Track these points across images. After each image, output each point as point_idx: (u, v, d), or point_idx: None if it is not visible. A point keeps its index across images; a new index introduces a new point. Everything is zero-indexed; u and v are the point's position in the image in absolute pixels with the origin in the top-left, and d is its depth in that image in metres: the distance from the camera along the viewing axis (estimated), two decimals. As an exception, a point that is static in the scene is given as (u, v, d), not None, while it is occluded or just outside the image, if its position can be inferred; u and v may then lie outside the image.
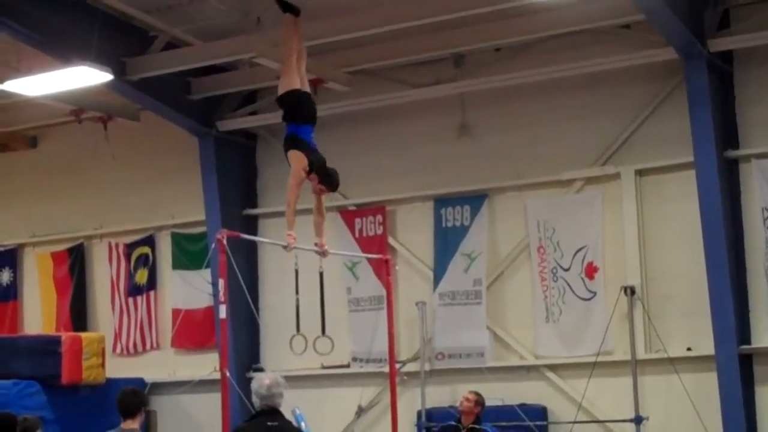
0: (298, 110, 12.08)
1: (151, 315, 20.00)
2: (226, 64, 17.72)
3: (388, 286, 14.42)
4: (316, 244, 12.39)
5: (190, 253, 19.30)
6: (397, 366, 15.45)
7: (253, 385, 10.32)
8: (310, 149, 11.91)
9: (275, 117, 18.09)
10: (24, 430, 10.52)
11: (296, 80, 12.12)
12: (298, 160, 11.79)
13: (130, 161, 19.81)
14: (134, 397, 10.53)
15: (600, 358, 16.14)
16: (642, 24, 15.40)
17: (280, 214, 18.38)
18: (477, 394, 14.22)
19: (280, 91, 12.16)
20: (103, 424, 10.51)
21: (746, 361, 15.45)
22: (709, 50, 15.20)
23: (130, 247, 20.28)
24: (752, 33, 15.17)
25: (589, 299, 16.64)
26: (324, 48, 16.22)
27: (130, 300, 20.18)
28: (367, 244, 17.89)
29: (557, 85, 16.67)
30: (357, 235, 18.14)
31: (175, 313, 19.23)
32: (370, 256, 16.84)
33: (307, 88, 12.26)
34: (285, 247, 11.82)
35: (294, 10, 12.24)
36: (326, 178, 11.93)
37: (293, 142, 11.93)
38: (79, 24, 15.65)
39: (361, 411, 17.81)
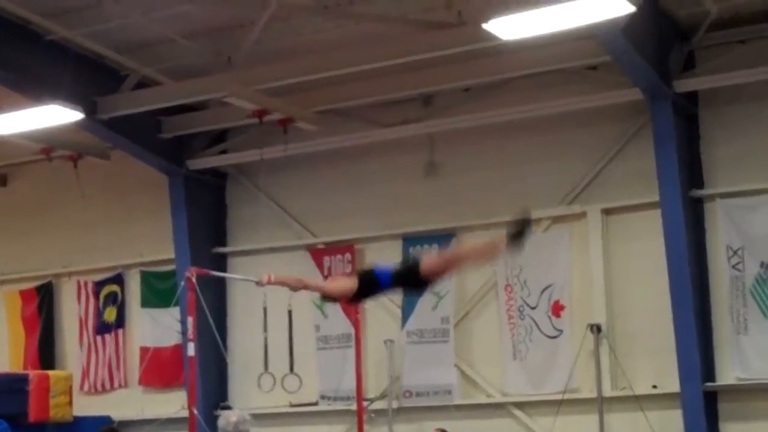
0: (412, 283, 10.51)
1: (119, 353, 19.91)
2: (196, 104, 17.72)
3: (356, 324, 14.48)
4: None
5: (158, 291, 19.24)
6: (365, 404, 15.47)
7: (220, 423, 10.30)
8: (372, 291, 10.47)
9: (245, 156, 18.31)
10: None
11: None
12: (350, 287, 10.18)
13: (100, 199, 19.75)
14: None
15: (566, 396, 16.16)
16: (608, 65, 15.51)
17: (249, 252, 18.64)
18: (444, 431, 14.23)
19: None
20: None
21: (711, 399, 15.50)
22: (674, 91, 15.34)
23: (98, 285, 20.20)
24: (717, 74, 15.31)
25: (555, 337, 16.66)
26: (293, 87, 16.29)
27: (99, 338, 20.09)
28: (335, 282, 17.84)
29: (525, 125, 16.75)
30: (326, 273, 18.04)
31: (144, 351, 19.15)
32: (338, 294, 16.80)
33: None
34: (258, 282, 11.26)
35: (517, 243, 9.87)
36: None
37: (371, 282, 10.21)
38: (50, 63, 15.69)
39: (329, 449, 17.82)
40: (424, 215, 17.62)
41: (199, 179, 18.77)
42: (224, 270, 18.44)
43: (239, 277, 16.24)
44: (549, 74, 16.11)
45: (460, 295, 17.40)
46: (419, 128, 17.29)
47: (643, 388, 15.88)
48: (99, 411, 18.70)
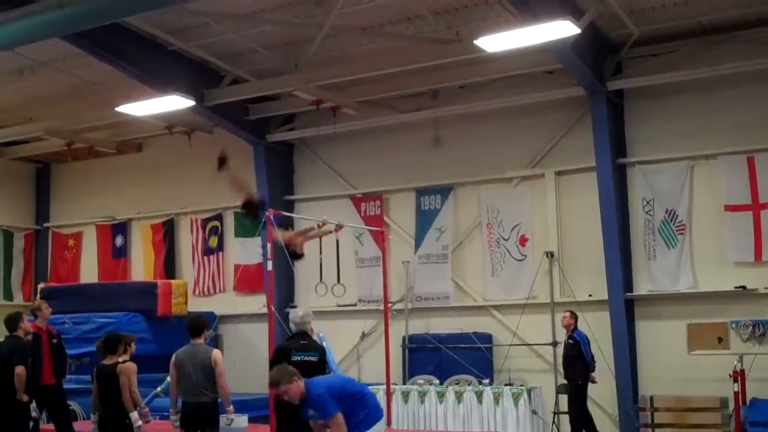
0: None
1: (220, 268, 20.00)
2: (273, 95, 17.74)
3: (383, 250, 14.50)
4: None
5: (247, 225, 19.17)
6: (389, 305, 15.56)
7: (291, 315, 10.44)
8: None
9: (306, 132, 18.30)
10: (126, 342, 10.69)
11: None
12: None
13: (206, 162, 19.63)
14: (198, 320, 10.60)
15: (529, 301, 16.24)
16: (560, 70, 15.44)
17: (310, 199, 18.67)
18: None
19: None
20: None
21: (630, 304, 15.56)
22: (607, 89, 15.27)
23: (205, 222, 20.27)
24: (638, 77, 15.25)
25: (521, 260, 16.69)
26: (341, 84, 16.32)
27: (205, 258, 20.19)
28: (369, 220, 17.90)
29: (502, 112, 16.69)
30: (362, 214, 18.14)
31: (236, 267, 19.16)
32: (371, 228, 16.87)
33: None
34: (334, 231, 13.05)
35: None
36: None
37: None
38: (171, 66, 15.68)
39: (364, 336, 17.92)
40: (431, 175, 17.62)
41: (275, 148, 18.77)
42: (292, 211, 18.47)
43: (301, 217, 16.28)
44: (519, 76, 16.03)
45: (456, 230, 17.41)
46: (428, 114, 17.23)
47: (582, 296, 15.90)
48: (206, 308, 18.76)
